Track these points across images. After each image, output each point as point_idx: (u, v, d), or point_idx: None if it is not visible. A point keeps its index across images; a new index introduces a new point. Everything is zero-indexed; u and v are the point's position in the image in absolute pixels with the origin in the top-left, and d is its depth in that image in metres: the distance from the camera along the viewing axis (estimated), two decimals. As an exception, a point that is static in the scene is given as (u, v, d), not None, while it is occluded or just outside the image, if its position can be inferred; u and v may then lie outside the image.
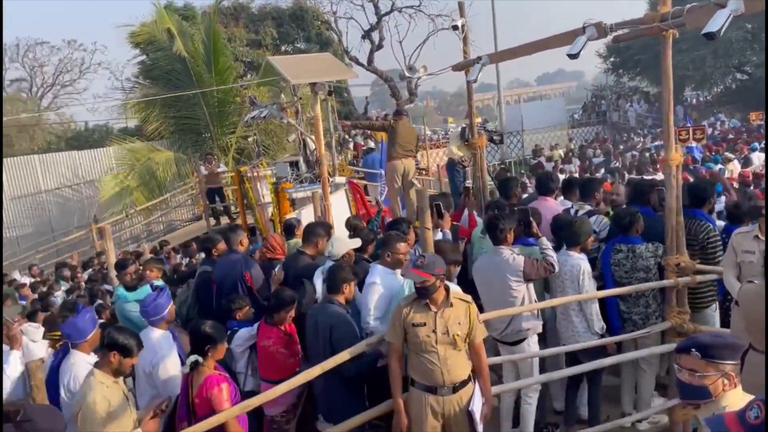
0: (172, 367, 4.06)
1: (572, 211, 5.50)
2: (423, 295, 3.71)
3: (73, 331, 3.97)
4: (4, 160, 17.73)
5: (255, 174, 13.56)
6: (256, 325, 4.35)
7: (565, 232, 4.88)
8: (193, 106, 17.65)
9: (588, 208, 5.53)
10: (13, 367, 4.02)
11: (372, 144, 16.79)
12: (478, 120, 9.27)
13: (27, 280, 10.94)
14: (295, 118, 10.23)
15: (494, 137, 8.93)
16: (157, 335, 4.13)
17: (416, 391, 3.81)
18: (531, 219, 4.70)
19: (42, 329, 4.25)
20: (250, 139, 16.31)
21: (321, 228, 5.27)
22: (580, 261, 4.71)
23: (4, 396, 4.00)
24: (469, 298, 3.90)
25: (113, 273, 6.54)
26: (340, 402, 4.01)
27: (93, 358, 3.97)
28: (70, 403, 3.83)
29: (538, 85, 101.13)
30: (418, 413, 3.78)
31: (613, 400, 5.27)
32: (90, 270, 10.74)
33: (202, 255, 10.55)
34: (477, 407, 3.78)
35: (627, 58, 31.82)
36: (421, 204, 4.29)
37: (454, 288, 4.04)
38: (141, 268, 6.85)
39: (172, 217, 18.32)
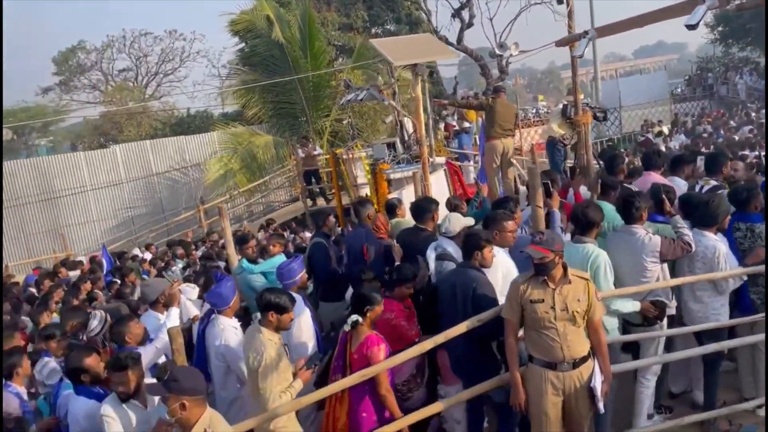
0: (306, 327, 4.37)
1: (697, 188, 5.30)
2: (541, 271, 3.74)
3: (217, 299, 4.37)
4: (119, 145, 19.12)
5: (350, 156, 13.92)
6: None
7: (700, 212, 4.61)
8: (290, 91, 18.22)
9: (714, 183, 5.30)
10: (173, 322, 4.48)
11: (467, 124, 16.64)
12: (581, 97, 8.99)
13: (147, 256, 11.86)
14: (392, 99, 10.39)
15: (597, 114, 8.67)
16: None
17: (535, 366, 3.87)
18: (663, 196, 4.57)
19: (197, 289, 4.70)
20: (344, 122, 16.66)
21: (431, 203, 5.38)
22: (716, 243, 4.50)
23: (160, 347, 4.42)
24: (587, 275, 3.90)
25: (230, 249, 7.01)
26: (474, 364, 4.14)
27: (236, 322, 4.34)
28: (219, 365, 4.23)
29: (636, 59, 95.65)
30: (538, 388, 3.84)
31: (728, 386, 5.10)
32: (203, 247, 11.48)
33: (306, 234, 11.06)
34: (597, 384, 3.80)
35: (737, 27, 29.57)
36: (533, 182, 4.30)
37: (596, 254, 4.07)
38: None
39: (270, 199, 19.10)
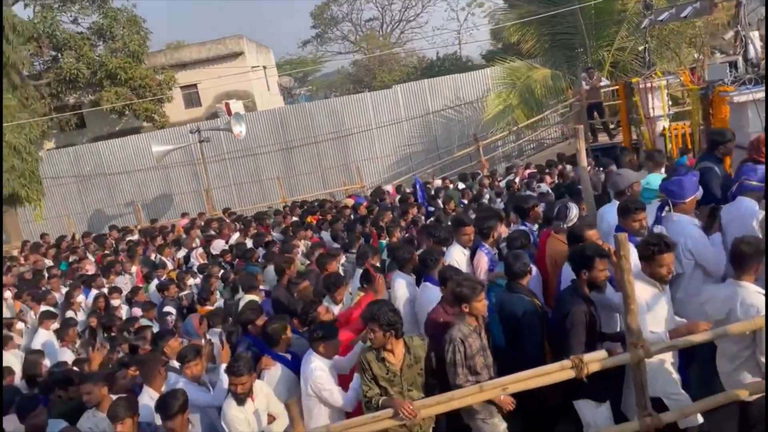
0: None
1: None
2: None
3: (675, 188, 4.30)
4: (400, 85, 20.16)
5: (647, 85, 12.89)
6: None
7: None
8: (568, 21, 17.34)
9: None
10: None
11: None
12: None
13: (461, 186, 12.48)
14: (734, 14, 9.19)
15: None
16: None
17: None
18: None
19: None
20: (640, 48, 15.36)
21: None
22: None
23: None
24: None
25: (584, 172, 6.96)
26: None
27: (695, 219, 4.24)
28: (687, 262, 4.24)
29: None
30: None
31: None
32: (510, 176, 11.70)
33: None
34: None
35: None
36: None
37: None
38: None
39: (542, 135, 18.71)
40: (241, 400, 4.06)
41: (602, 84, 15.69)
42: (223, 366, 4.42)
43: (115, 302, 9.82)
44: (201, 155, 17.10)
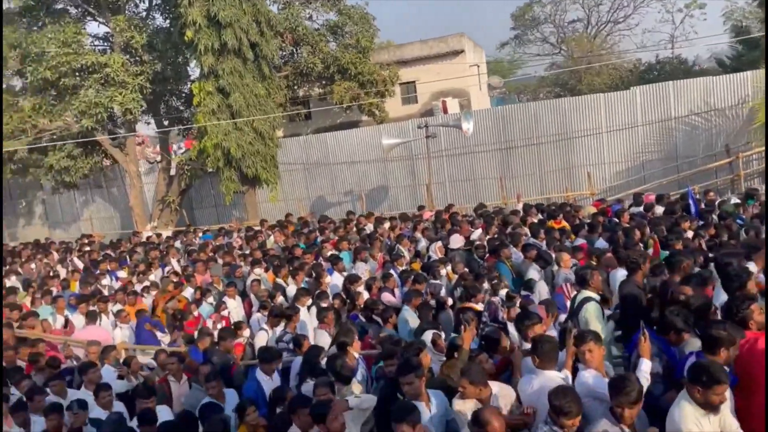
0: None
1: None
2: None
3: None
4: (639, 87, 18.52)
5: None
6: None
7: None
8: None
9: None
10: None
11: None
12: None
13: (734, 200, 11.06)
14: None
15: None
16: None
17: None
18: None
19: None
20: None
21: None
22: None
23: None
24: None
25: None
26: None
27: None
28: None
29: None
30: None
31: None
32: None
33: None
34: None
35: None
36: None
37: None
38: None
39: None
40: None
41: None
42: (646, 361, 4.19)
43: (358, 288, 9.96)
44: (426, 150, 17.13)
